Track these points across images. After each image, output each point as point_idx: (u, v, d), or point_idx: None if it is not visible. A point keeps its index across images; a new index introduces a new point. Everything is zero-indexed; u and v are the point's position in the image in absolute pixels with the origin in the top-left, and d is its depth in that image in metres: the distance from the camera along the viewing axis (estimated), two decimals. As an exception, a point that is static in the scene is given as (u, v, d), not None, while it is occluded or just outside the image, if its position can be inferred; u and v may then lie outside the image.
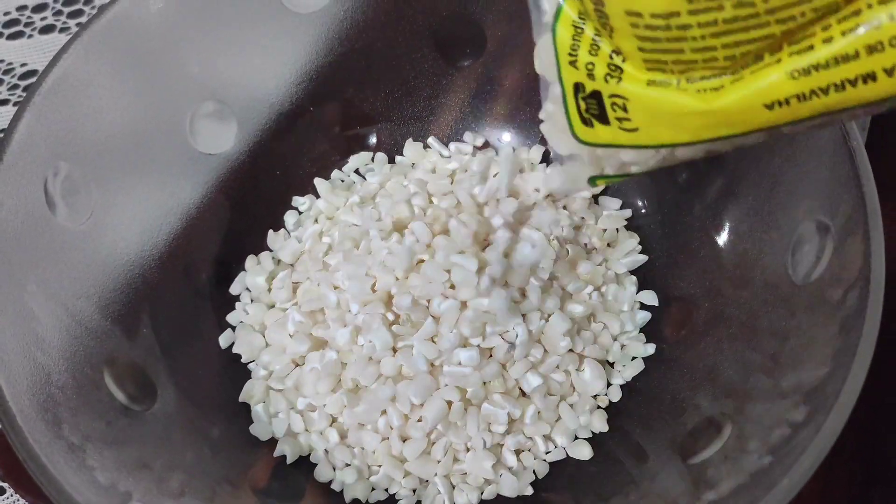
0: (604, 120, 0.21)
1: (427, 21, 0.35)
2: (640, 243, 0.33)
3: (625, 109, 0.20)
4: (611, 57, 0.19)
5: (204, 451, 0.28)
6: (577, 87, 0.21)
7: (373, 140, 0.37)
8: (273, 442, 0.30)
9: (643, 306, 0.32)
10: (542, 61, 0.22)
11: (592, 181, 0.24)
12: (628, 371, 0.31)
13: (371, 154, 0.37)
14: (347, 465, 0.29)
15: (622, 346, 0.31)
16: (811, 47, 0.16)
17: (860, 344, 0.21)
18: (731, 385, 0.26)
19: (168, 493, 0.24)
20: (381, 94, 0.36)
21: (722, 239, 0.30)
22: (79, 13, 0.49)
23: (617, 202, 0.34)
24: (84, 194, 0.28)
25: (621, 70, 0.19)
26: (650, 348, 0.31)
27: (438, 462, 0.28)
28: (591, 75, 0.20)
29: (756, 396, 0.25)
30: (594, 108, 0.21)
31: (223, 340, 0.32)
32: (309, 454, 0.30)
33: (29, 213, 0.26)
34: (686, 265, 0.31)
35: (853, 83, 0.16)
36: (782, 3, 0.16)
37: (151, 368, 0.28)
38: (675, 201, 0.32)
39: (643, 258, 0.33)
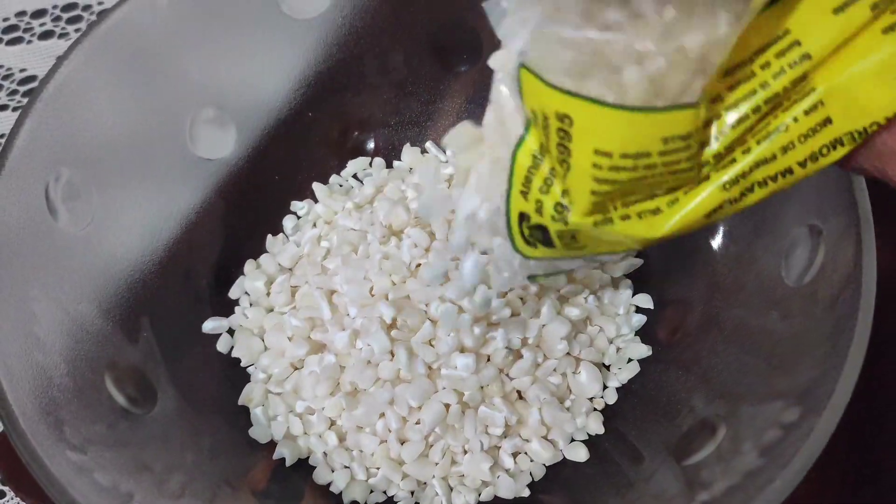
0: (549, 245, 0.21)
1: (424, 28, 0.35)
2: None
3: (573, 238, 0.20)
4: (560, 201, 0.19)
5: (203, 453, 0.28)
6: (522, 216, 0.20)
7: (371, 145, 0.37)
8: (272, 444, 0.30)
9: (638, 309, 0.32)
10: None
11: (532, 279, 0.24)
12: (624, 374, 0.31)
13: (369, 159, 0.37)
14: (346, 467, 0.29)
15: (618, 349, 0.31)
16: (734, 160, 0.18)
17: (852, 346, 0.21)
18: (725, 387, 0.27)
19: (168, 495, 0.25)
20: (379, 99, 0.37)
21: (716, 242, 0.30)
22: (77, 19, 0.49)
23: None
24: (85, 199, 0.28)
25: (568, 212, 0.19)
26: (646, 351, 0.31)
27: (436, 464, 0.29)
28: (539, 211, 0.20)
29: (749, 398, 0.25)
30: (538, 236, 0.21)
31: (221, 346, 0.32)
32: (308, 457, 0.30)
33: (31, 218, 0.26)
34: (681, 269, 0.32)
35: (774, 179, 0.18)
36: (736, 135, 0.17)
37: (152, 372, 0.29)
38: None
39: (638, 261, 0.33)
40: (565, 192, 0.19)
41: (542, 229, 0.20)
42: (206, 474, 0.27)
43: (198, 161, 0.33)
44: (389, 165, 0.37)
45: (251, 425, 0.30)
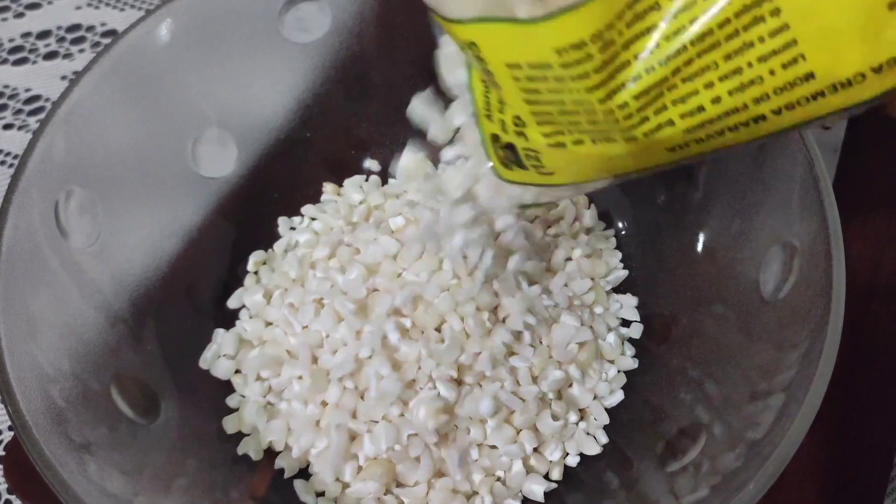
0: (521, 166, 0.22)
1: (420, 51, 0.36)
2: (620, 261, 0.35)
3: (538, 160, 0.21)
4: (516, 113, 0.20)
5: (205, 461, 0.29)
6: (495, 138, 0.22)
7: (367, 164, 0.39)
8: (272, 452, 0.31)
9: (624, 322, 0.34)
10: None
11: (523, 208, 0.25)
12: (610, 400, 0.32)
13: (365, 177, 0.38)
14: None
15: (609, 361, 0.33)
16: (701, 108, 0.17)
17: (822, 355, 0.23)
18: (707, 395, 0.28)
19: (173, 501, 0.26)
20: (376, 120, 0.38)
21: (698, 258, 0.32)
22: (81, 40, 0.50)
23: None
24: (92, 217, 0.29)
25: (524, 124, 0.20)
26: (633, 363, 0.32)
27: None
28: (504, 129, 0.21)
29: (729, 406, 0.26)
30: (511, 157, 0.21)
31: (220, 372, 0.32)
32: (307, 465, 0.31)
33: (41, 235, 0.27)
34: (665, 282, 0.33)
35: (745, 125, 0.17)
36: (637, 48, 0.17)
37: (156, 383, 0.30)
38: (654, 221, 0.34)
39: (624, 273, 0.34)
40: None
41: (511, 148, 0.21)
42: (207, 482, 0.28)
43: (200, 179, 0.34)
44: (385, 182, 0.39)
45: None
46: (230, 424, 0.31)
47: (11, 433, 0.35)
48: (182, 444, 0.29)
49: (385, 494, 0.29)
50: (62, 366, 0.26)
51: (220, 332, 0.33)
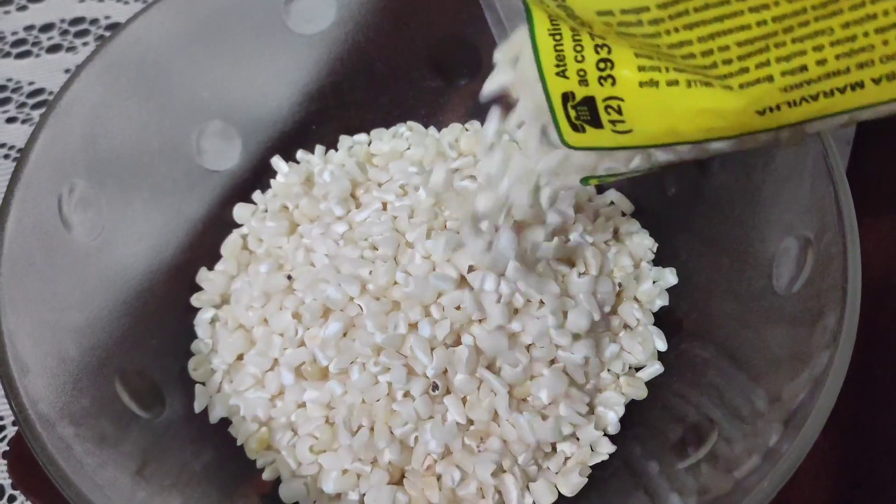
0: (597, 124, 0.20)
1: (425, 43, 0.36)
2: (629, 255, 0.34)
3: (619, 112, 0.20)
4: (597, 51, 0.19)
5: (211, 456, 0.29)
6: (566, 97, 0.20)
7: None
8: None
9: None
10: (518, 77, 0.22)
11: (585, 181, 0.24)
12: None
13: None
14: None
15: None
16: (804, 68, 0.17)
17: (837, 350, 0.22)
18: (718, 391, 0.28)
19: (178, 497, 0.25)
20: (381, 112, 0.37)
21: (710, 252, 0.31)
22: (85, 33, 0.50)
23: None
24: (96, 210, 0.29)
25: (612, 65, 0.19)
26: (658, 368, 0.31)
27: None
28: (583, 81, 0.20)
29: (741, 402, 0.26)
30: (585, 114, 0.20)
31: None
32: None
33: (45, 228, 0.27)
34: (677, 275, 0.33)
35: (842, 90, 0.17)
36: None
37: (160, 378, 0.29)
38: (666, 216, 0.34)
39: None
40: (601, 47, 0.19)
41: (589, 103, 0.20)
42: (213, 478, 0.28)
43: (204, 172, 0.34)
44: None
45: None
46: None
47: (15, 428, 0.35)
48: (187, 439, 0.29)
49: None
50: (65, 360, 0.26)
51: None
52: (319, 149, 0.37)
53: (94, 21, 0.50)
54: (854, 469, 0.31)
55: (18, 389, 0.23)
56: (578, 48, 0.19)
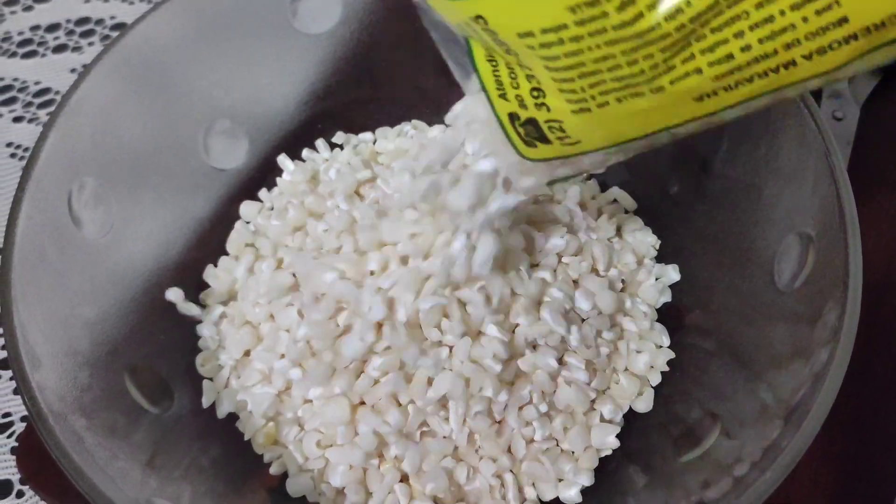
0: (545, 140, 0.21)
1: (430, 41, 0.36)
2: (632, 252, 0.34)
3: (562, 129, 0.20)
4: (528, 80, 0.19)
5: (219, 451, 0.29)
6: (512, 117, 0.21)
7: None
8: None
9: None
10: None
11: (549, 185, 0.25)
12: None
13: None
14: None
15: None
16: (730, 56, 0.17)
17: (839, 346, 0.22)
18: (720, 388, 0.28)
19: (187, 490, 0.26)
20: (386, 111, 0.38)
21: (712, 249, 0.31)
22: (90, 33, 0.50)
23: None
24: (105, 208, 0.29)
25: (544, 94, 0.19)
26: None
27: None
28: (523, 105, 0.20)
29: (742, 398, 0.26)
30: (533, 132, 0.21)
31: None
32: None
33: (55, 226, 0.27)
34: (679, 272, 0.33)
35: (775, 70, 0.17)
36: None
37: (168, 373, 0.30)
38: (668, 213, 0.34)
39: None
40: (531, 77, 0.19)
41: (533, 123, 0.20)
42: (221, 472, 0.28)
43: (211, 171, 0.35)
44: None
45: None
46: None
47: (24, 424, 0.35)
48: (195, 433, 0.29)
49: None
50: (76, 356, 0.26)
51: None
52: (322, 143, 0.37)
53: (99, 21, 0.51)
54: (854, 463, 0.31)
55: (31, 383, 0.23)
56: (513, 76, 0.20)
